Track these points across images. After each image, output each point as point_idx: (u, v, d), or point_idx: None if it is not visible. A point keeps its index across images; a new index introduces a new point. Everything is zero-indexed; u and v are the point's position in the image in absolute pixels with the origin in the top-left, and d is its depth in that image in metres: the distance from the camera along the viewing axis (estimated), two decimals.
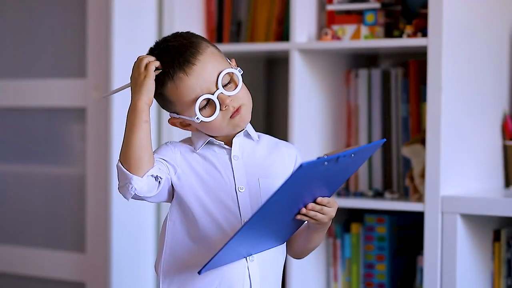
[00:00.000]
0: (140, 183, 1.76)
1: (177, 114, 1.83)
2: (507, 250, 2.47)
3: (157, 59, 1.80)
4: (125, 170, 1.75)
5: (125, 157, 1.76)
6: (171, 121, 1.86)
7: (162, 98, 1.83)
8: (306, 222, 1.80)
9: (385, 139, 1.80)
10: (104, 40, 2.98)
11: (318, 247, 2.72)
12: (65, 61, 3.18)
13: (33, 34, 3.25)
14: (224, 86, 1.79)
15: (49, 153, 3.23)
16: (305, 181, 1.68)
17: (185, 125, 1.85)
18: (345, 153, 1.67)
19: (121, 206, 2.92)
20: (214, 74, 1.79)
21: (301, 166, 1.61)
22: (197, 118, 1.78)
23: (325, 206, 1.75)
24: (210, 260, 1.73)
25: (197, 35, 1.84)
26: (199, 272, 1.73)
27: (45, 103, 3.18)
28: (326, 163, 1.65)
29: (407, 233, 2.72)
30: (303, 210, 1.74)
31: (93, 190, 3.05)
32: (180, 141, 1.89)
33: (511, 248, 2.47)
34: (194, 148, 1.84)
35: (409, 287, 2.71)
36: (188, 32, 1.85)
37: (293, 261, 2.62)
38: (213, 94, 1.78)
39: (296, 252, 1.92)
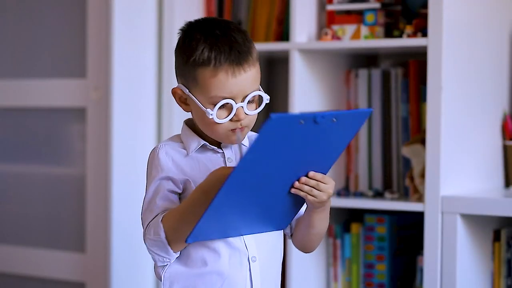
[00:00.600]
0: (175, 257, 1.80)
1: (189, 90, 1.80)
2: (507, 250, 2.47)
3: (214, 37, 1.76)
4: (172, 250, 1.78)
5: (177, 241, 1.76)
6: (174, 91, 1.82)
7: (190, 70, 1.78)
8: (306, 206, 1.79)
9: (371, 109, 1.74)
10: (104, 40, 2.98)
11: (318, 247, 2.72)
12: (65, 61, 3.18)
13: (33, 34, 3.25)
14: (247, 102, 1.78)
15: (49, 153, 3.23)
16: (285, 144, 1.62)
17: (183, 101, 1.81)
18: (323, 113, 1.61)
19: (121, 206, 2.93)
20: (249, 89, 1.77)
21: (270, 117, 1.57)
22: (211, 114, 1.76)
23: (320, 182, 1.73)
24: (195, 227, 1.69)
25: (252, 41, 1.82)
26: (186, 240, 1.71)
27: (45, 103, 3.18)
28: (302, 121, 1.60)
29: (407, 233, 2.72)
30: (296, 184, 1.71)
31: (93, 190, 3.05)
32: (169, 140, 1.86)
33: (511, 248, 2.47)
34: (186, 152, 1.83)
35: (409, 287, 2.71)
36: (246, 32, 1.82)
37: (293, 261, 2.62)
38: (236, 103, 1.77)
39: (301, 240, 1.88)
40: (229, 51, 1.75)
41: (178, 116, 2.81)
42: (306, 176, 1.71)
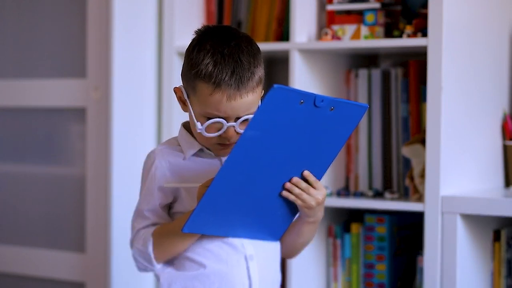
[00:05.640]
0: (158, 267, 1.85)
1: (187, 95, 1.80)
2: (507, 250, 2.47)
3: (221, 55, 1.75)
4: (156, 263, 1.83)
5: (163, 258, 1.83)
6: (175, 90, 1.83)
7: (191, 78, 1.77)
8: (298, 215, 1.80)
9: (367, 105, 1.74)
10: (104, 40, 2.98)
11: (318, 247, 2.73)
12: (65, 61, 3.18)
13: (33, 34, 3.25)
14: (240, 122, 1.78)
15: (49, 153, 3.23)
16: (282, 126, 1.63)
17: (183, 101, 1.83)
18: (323, 96, 1.62)
19: (121, 206, 2.93)
20: (243, 112, 1.77)
21: (273, 86, 1.57)
22: (199, 128, 1.77)
23: (311, 186, 1.74)
24: (190, 217, 1.71)
25: (261, 61, 1.81)
26: (182, 230, 1.73)
27: (45, 103, 3.18)
28: (302, 101, 1.60)
29: (407, 233, 2.72)
30: (287, 185, 1.73)
31: (93, 190, 3.05)
32: (166, 143, 1.87)
33: (511, 248, 2.47)
34: (184, 156, 1.84)
35: (409, 287, 2.72)
36: (257, 54, 1.80)
37: (293, 261, 2.62)
38: (227, 122, 1.77)
39: (287, 248, 1.90)
40: (231, 74, 1.74)
41: (178, 116, 2.81)
42: (302, 176, 1.72)
